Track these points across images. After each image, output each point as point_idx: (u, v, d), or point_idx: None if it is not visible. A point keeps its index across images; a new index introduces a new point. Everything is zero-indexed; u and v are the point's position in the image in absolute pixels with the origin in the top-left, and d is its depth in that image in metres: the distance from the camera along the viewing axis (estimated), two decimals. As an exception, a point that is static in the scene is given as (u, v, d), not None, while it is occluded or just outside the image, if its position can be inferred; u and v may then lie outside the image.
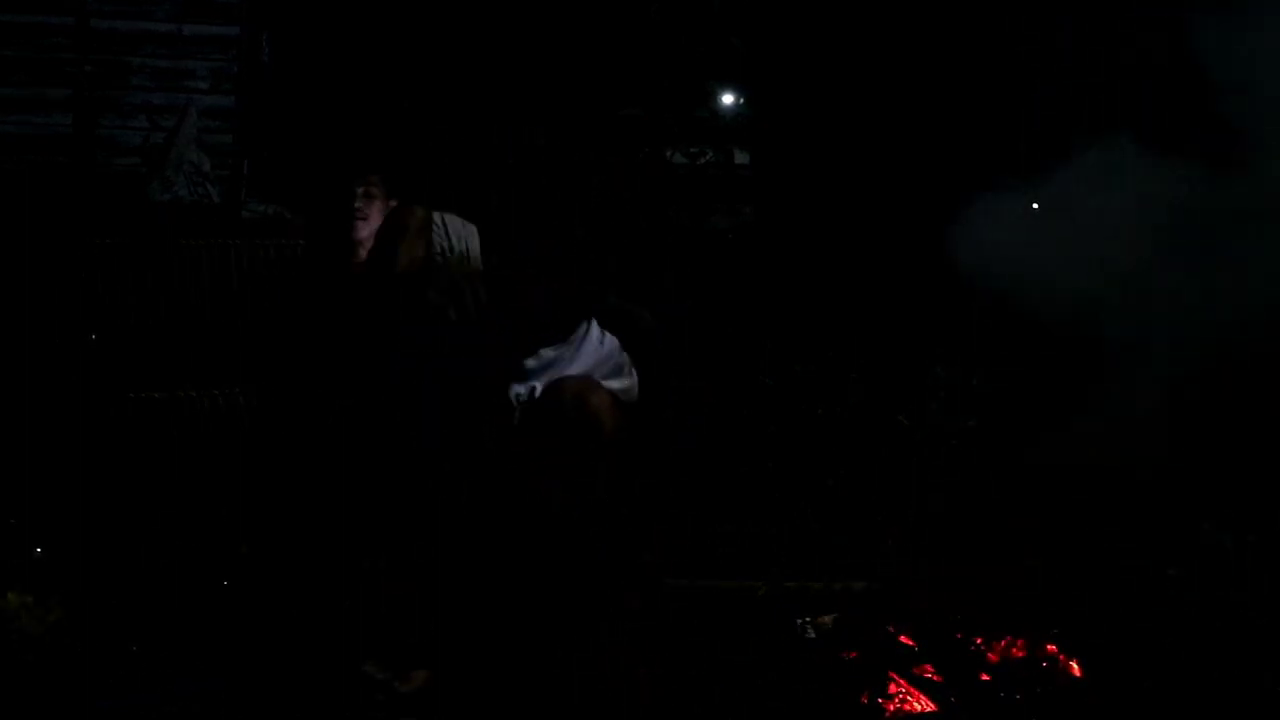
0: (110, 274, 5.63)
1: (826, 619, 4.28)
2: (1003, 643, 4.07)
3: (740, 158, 8.12)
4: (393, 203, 5.41)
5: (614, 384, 4.00)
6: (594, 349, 4.04)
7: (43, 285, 5.69)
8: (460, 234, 5.80)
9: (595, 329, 4.05)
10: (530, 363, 4.02)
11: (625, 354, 4.05)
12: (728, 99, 7.95)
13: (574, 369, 3.98)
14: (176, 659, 4.14)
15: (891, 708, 3.84)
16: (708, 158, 7.92)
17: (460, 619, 3.88)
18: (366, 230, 5.21)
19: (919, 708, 3.83)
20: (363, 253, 4.97)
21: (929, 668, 3.98)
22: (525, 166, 7.09)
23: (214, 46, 7.44)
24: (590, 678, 3.84)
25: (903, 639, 4.07)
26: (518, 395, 3.99)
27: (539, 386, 3.97)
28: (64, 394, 5.31)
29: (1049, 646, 4.05)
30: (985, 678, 3.98)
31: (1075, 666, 4.01)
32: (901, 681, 3.92)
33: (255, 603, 4.42)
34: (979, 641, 4.08)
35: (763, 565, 4.84)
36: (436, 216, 5.70)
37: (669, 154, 7.80)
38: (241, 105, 7.50)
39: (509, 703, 3.80)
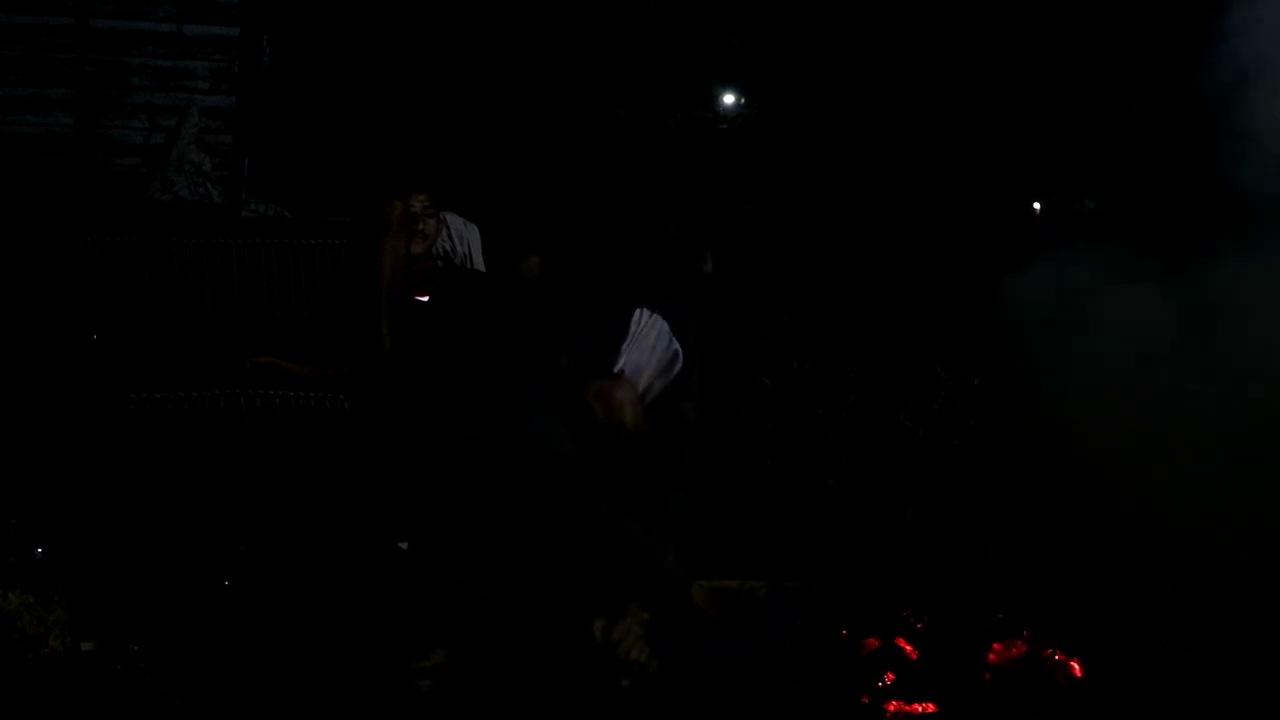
0: (111, 274, 5.65)
1: (827, 619, 4.28)
2: (1003, 643, 4.07)
3: (740, 157, 8.13)
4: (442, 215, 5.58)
5: (665, 379, 4.08)
6: (653, 342, 4.11)
7: (44, 285, 5.70)
8: (462, 234, 5.84)
9: (646, 316, 4.10)
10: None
11: (676, 343, 4.13)
12: (728, 99, 7.96)
13: (646, 364, 4.04)
14: (177, 658, 4.14)
15: (892, 708, 3.84)
16: (708, 158, 7.93)
17: (480, 606, 3.90)
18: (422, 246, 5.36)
19: (919, 708, 3.83)
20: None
21: (929, 667, 3.98)
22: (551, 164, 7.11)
23: (214, 46, 7.44)
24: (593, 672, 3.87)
25: (902, 640, 4.07)
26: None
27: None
28: (65, 394, 5.31)
29: (1049, 647, 4.06)
30: (985, 678, 3.99)
31: (1075, 666, 4.02)
32: (901, 682, 3.92)
33: (261, 598, 4.44)
34: (979, 642, 4.08)
35: (763, 565, 4.84)
36: (439, 215, 5.75)
37: (669, 154, 7.80)
38: (242, 105, 7.50)
39: (519, 694, 3.81)
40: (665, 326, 4.18)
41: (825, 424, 6.07)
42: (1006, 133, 7.28)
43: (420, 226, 5.49)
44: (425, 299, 5.31)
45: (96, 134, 7.26)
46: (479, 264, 5.76)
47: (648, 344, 4.14)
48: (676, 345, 4.19)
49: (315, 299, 5.71)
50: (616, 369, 4.09)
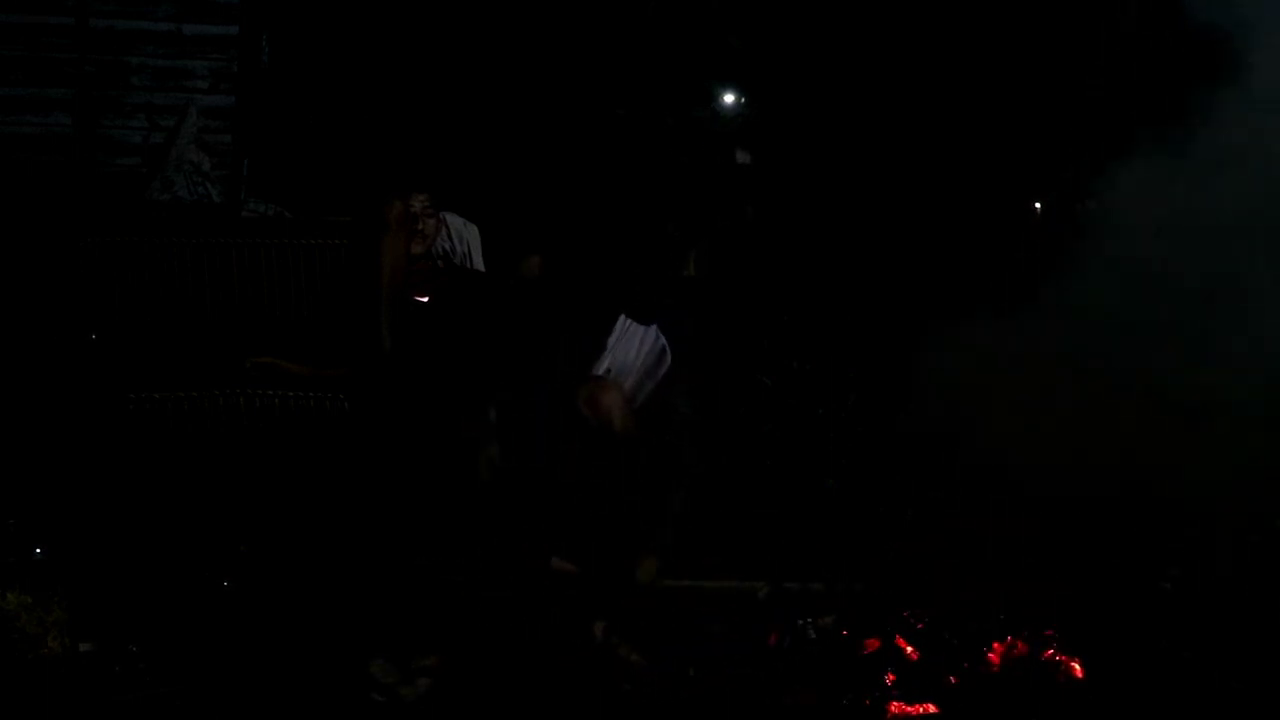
0: (110, 274, 5.65)
1: (827, 619, 4.28)
2: (1003, 643, 4.08)
3: (740, 158, 8.12)
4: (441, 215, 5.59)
5: (655, 379, 4.11)
6: (639, 341, 4.15)
7: (44, 285, 5.70)
8: (462, 234, 5.85)
9: (628, 323, 4.13)
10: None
11: (663, 339, 4.17)
12: (728, 99, 7.96)
13: (633, 364, 4.08)
14: (176, 658, 4.14)
15: (892, 708, 3.84)
16: (708, 158, 7.92)
17: (480, 606, 3.92)
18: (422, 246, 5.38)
19: (920, 709, 3.84)
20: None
21: (929, 667, 3.99)
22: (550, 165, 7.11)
23: (214, 46, 7.43)
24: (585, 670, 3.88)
25: (902, 640, 4.07)
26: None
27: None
28: (64, 394, 5.31)
29: (1049, 647, 4.06)
30: (986, 677, 3.99)
31: (1075, 666, 4.02)
32: (902, 682, 3.92)
33: (259, 600, 4.44)
34: (979, 641, 4.08)
35: (764, 566, 4.84)
36: (439, 215, 5.76)
37: (669, 154, 7.79)
38: (241, 105, 7.50)
39: (519, 694, 3.82)
40: (653, 326, 4.21)
41: (825, 424, 6.07)
42: (1006, 133, 7.28)
43: (420, 226, 5.49)
44: (425, 299, 5.32)
45: (96, 134, 7.25)
46: (479, 264, 5.76)
47: (634, 344, 4.17)
48: (664, 341, 4.22)
49: (315, 299, 5.71)
50: (602, 370, 4.13)
